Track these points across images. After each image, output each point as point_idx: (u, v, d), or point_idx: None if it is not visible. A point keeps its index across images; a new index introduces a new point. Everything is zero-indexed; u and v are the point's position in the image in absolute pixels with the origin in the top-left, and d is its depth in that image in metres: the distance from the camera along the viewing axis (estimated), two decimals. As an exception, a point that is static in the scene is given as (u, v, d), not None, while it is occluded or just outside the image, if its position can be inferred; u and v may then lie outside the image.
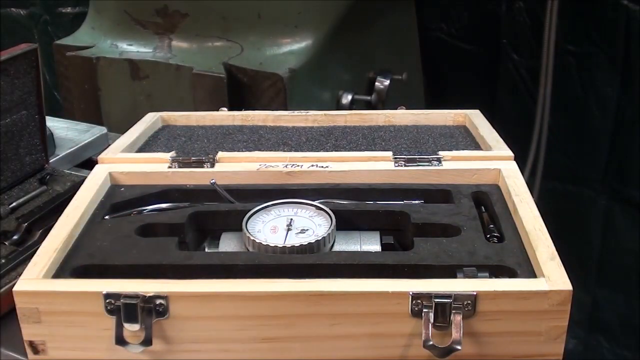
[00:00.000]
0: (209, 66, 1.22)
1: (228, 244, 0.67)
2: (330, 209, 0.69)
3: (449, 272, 0.60)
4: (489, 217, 0.70)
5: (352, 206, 0.72)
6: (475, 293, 0.55)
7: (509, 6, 1.56)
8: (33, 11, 1.97)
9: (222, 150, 0.80)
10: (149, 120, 0.91)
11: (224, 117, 0.94)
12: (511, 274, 0.60)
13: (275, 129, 0.90)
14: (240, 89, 1.23)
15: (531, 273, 0.59)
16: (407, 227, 0.69)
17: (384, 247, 0.67)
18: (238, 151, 0.81)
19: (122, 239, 0.66)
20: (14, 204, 0.87)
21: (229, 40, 1.27)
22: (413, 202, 0.73)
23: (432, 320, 0.55)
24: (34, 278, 0.58)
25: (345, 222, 0.69)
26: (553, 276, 0.56)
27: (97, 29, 1.35)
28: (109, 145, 0.86)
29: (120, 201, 0.73)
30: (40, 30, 1.98)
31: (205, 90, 1.22)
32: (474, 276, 0.59)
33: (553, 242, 0.61)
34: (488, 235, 0.66)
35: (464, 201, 0.72)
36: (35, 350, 0.58)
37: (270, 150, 0.82)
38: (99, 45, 1.32)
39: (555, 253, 0.59)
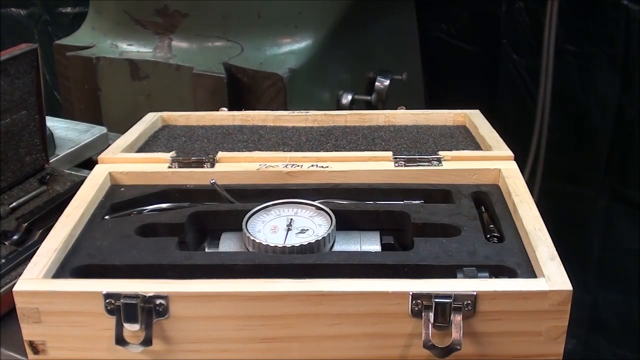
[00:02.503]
0: (209, 66, 1.22)
1: (228, 244, 0.67)
2: (330, 209, 0.69)
3: (449, 272, 0.60)
4: (489, 217, 0.70)
5: (352, 206, 0.72)
6: (475, 293, 0.55)
7: (509, 6, 1.56)
8: (33, 11, 1.97)
9: (222, 150, 0.80)
10: (149, 120, 0.91)
11: (224, 117, 0.94)
12: (511, 274, 0.59)
13: (275, 129, 0.90)
14: (240, 89, 1.23)
15: (531, 273, 0.59)
16: (407, 227, 0.69)
17: (384, 247, 0.67)
18: (238, 151, 0.81)
19: (122, 239, 0.66)
20: (14, 204, 0.87)
21: (229, 40, 1.27)
22: (413, 202, 0.73)
23: (432, 321, 0.55)
24: (34, 278, 0.58)
25: (345, 222, 0.69)
26: (553, 276, 0.56)
27: (97, 29, 1.35)
28: (109, 145, 0.86)
29: (120, 201, 0.73)
30: (40, 30, 1.98)
31: (205, 90, 1.22)
32: (474, 276, 0.59)
33: (553, 242, 0.61)
34: (488, 235, 0.66)
35: (464, 201, 0.71)
36: (35, 350, 0.58)
37: (270, 150, 0.82)
38: (99, 45, 1.32)
39: (555, 253, 0.59)
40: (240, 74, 1.22)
